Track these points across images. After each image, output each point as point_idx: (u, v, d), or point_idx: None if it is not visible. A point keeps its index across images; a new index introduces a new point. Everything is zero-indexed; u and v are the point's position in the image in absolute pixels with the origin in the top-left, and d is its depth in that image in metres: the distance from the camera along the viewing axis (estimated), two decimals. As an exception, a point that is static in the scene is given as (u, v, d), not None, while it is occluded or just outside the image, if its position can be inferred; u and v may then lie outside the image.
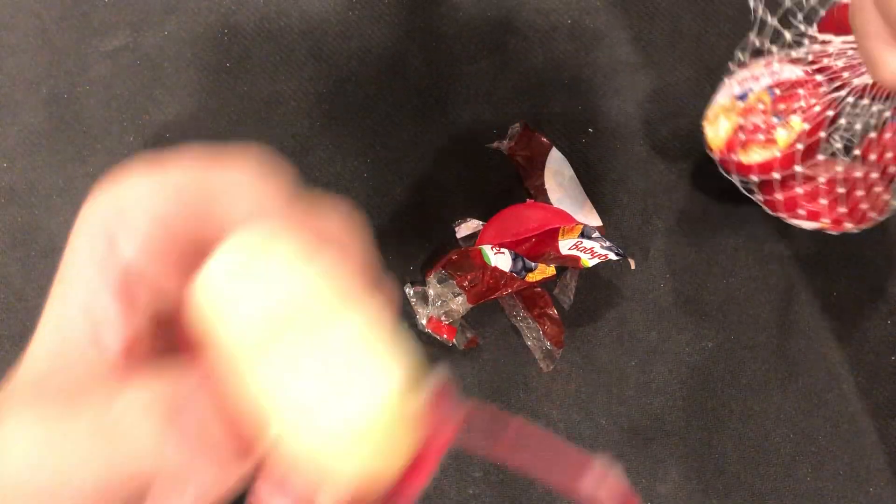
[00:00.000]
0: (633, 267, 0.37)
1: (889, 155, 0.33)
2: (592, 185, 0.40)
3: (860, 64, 0.32)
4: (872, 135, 0.33)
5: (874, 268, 0.40)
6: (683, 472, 0.37)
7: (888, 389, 0.38)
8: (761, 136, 0.33)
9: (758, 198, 0.36)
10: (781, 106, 0.33)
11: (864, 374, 0.38)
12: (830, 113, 0.33)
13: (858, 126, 0.33)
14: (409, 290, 0.38)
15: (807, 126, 0.33)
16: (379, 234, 0.40)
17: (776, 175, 0.34)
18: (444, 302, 0.37)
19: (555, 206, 0.39)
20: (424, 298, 0.37)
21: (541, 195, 0.39)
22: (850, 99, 0.32)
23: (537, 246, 0.37)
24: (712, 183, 0.40)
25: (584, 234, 0.36)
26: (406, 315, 0.38)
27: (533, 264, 0.36)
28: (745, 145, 0.34)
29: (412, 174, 0.40)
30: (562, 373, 0.38)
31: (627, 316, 0.39)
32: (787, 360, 0.39)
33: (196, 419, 0.16)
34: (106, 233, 0.18)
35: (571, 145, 0.40)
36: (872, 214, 0.35)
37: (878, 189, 0.34)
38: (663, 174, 0.40)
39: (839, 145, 0.34)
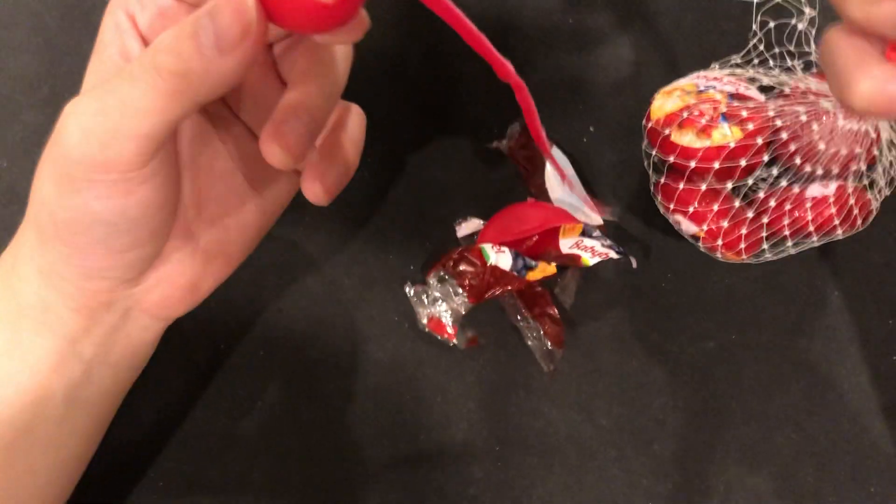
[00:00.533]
0: (634, 266, 0.37)
1: (787, 221, 0.34)
2: (593, 184, 0.40)
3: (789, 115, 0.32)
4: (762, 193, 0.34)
5: (875, 268, 0.40)
6: (684, 472, 0.37)
7: (889, 389, 0.38)
8: (702, 121, 0.33)
9: (658, 181, 0.36)
10: (736, 108, 0.33)
11: (866, 374, 0.38)
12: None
13: (761, 191, 0.34)
14: (410, 290, 0.38)
15: (749, 128, 0.33)
16: (378, 233, 0.40)
17: (692, 163, 0.34)
18: (444, 301, 0.37)
19: (555, 205, 0.39)
20: (425, 298, 0.37)
21: (541, 195, 0.39)
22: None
23: (538, 245, 0.37)
24: (713, 182, 0.40)
25: (585, 233, 0.36)
26: (407, 315, 0.38)
27: (533, 263, 0.36)
28: (682, 125, 0.34)
29: (412, 174, 0.40)
30: (562, 373, 0.38)
31: (628, 316, 0.39)
32: (789, 360, 0.38)
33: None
34: (126, 11, 0.25)
35: (572, 145, 0.40)
36: (747, 255, 0.35)
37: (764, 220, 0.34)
38: (664, 174, 0.40)
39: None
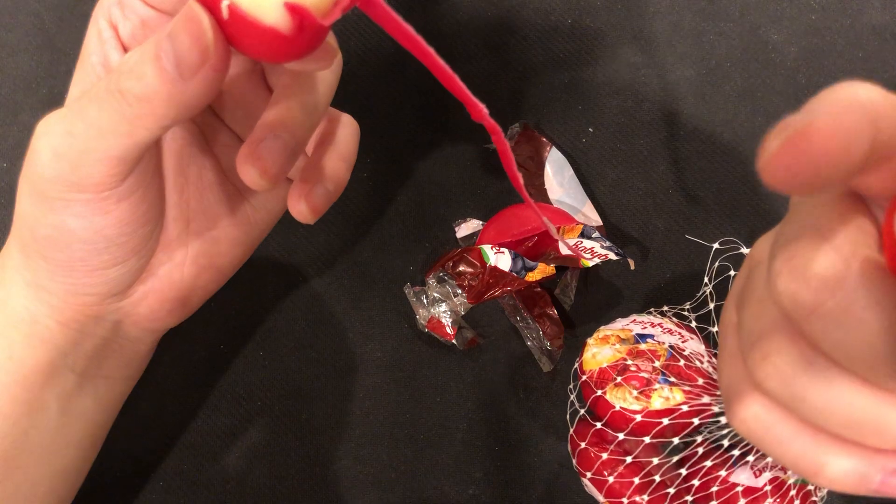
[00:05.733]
0: (632, 267, 0.37)
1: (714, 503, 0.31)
2: (592, 185, 0.40)
3: None
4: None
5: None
6: (683, 472, 0.37)
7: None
8: (636, 384, 0.30)
9: (576, 445, 0.33)
10: (676, 367, 0.30)
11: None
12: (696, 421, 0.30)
13: (701, 450, 0.30)
14: (409, 291, 0.38)
15: (685, 408, 0.29)
16: (378, 233, 0.40)
17: (621, 435, 0.30)
18: (444, 302, 0.37)
19: (555, 206, 0.39)
20: (424, 299, 0.37)
21: (541, 195, 0.39)
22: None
23: (537, 246, 0.37)
24: (712, 183, 0.40)
25: (584, 234, 0.36)
26: (406, 315, 0.39)
27: (533, 264, 0.36)
28: (618, 385, 0.31)
29: (412, 174, 0.40)
30: (562, 373, 0.38)
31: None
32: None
33: (183, 34, 0.19)
34: (109, 20, 0.25)
35: (571, 145, 0.40)
36: None
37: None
38: (663, 174, 0.40)
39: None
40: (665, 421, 0.29)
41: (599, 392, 0.31)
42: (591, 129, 0.41)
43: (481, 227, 0.39)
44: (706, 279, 0.32)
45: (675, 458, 0.31)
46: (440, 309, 0.37)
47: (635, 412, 0.30)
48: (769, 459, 0.30)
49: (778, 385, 0.17)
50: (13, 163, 0.40)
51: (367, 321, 0.39)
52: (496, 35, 0.42)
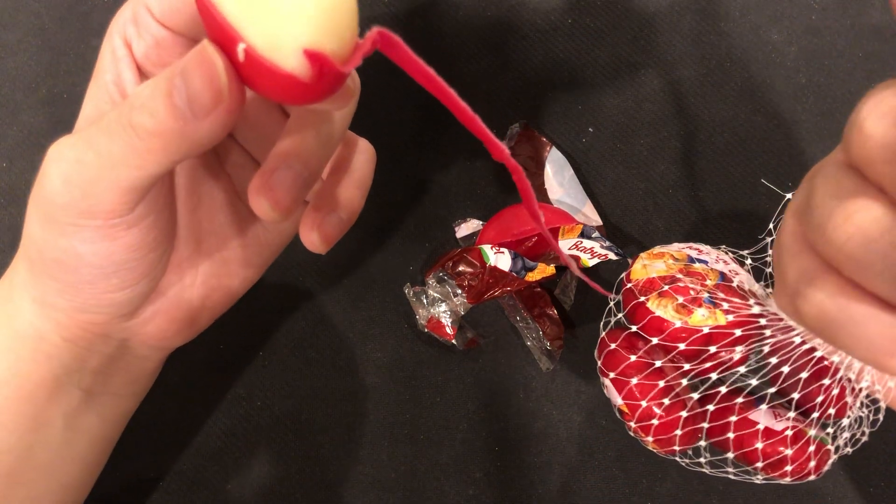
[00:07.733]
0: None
1: (730, 435, 0.30)
2: (592, 185, 0.40)
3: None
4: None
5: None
6: (683, 472, 0.37)
7: (888, 389, 0.38)
8: (680, 296, 0.29)
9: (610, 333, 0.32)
10: (725, 290, 0.30)
11: (865, 374, 0.38)
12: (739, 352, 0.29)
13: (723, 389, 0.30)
14: (409, 291, 0.38)
15: (728, 319, 0.29)
16: (378, 234, 0.40)
17: (655, 339, 0.29)
18: (443, 302, 0.37)
19: (555, 206, 0.39)
20: (424, 299, 0.37)
21: (541, 195, 0.39)
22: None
23: (537, 246, 0.37)
24: (712, 183, 0.40)
25: (584, 234, 0.36)
26: (406, 315, 0.39)
27: (533, 264, 0.36)
28: (663, 294, 0.30)
29: (412, 174, 0.40)
30: (562, 373, 0.38)
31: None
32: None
33: (196, 74, 0.19)
34: (124, 38, 0.24)
35: (571, 145, 0.40)
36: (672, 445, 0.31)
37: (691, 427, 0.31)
38: (663, 174, 0.40)
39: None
40: (705, 329, 0.28)
41: (642, 299, 0.30)
42: (591, 129, 0.41)
43: (481, 227, 0.39)
44: (771, 226, 0.31)
45: (707, 365, 0.30)
46: (440, 309, 0.37)
47: (669, 323, 0.29)
48: (791, 413, 0.30)
49: (861, 245, 0.16)
50: (13, 163, 0.40)
51: (367, 321, 0.39)
52: (496, 35, 0.42)
